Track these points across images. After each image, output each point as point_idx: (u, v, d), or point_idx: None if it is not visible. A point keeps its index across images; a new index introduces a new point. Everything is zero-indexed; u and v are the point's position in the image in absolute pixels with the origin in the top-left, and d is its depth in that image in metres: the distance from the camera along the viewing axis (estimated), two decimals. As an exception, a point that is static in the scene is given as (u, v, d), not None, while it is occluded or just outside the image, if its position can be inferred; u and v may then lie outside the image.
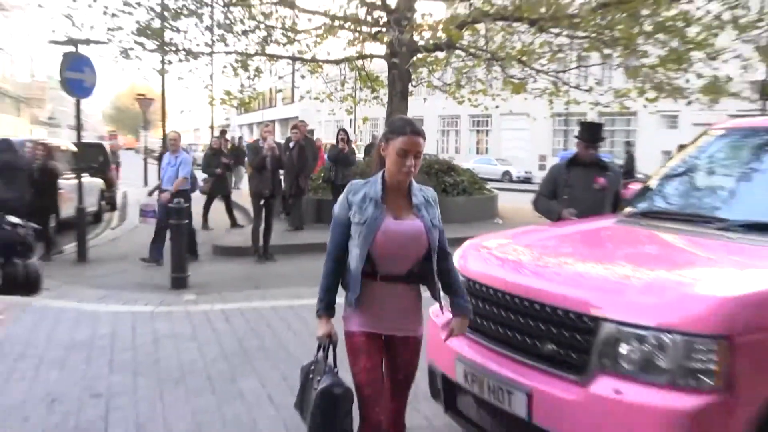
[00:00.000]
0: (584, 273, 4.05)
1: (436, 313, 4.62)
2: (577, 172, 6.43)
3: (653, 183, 5.51)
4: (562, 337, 3.55)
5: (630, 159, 23.49)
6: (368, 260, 3.40)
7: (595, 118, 13.75)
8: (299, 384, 3.63)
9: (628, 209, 5.29)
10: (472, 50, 17.61)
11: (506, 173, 44.34)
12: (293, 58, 18.73)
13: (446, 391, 4.38)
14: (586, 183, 6.33)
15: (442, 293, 3.74)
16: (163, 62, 17.79)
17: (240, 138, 38.78)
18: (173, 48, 16.66)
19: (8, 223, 1.95)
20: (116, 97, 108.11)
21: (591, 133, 6.53)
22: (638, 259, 4.25)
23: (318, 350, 3.55)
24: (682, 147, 22.74)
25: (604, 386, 3.30)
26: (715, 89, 16.01)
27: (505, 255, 4.53)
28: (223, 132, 24.20)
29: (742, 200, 4.70)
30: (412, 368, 3.70)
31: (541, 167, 42.96)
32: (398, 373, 3.65)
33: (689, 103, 16.52)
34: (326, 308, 3.56)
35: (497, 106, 19.38)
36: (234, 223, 16.50)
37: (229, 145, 22.51)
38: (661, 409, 3.11)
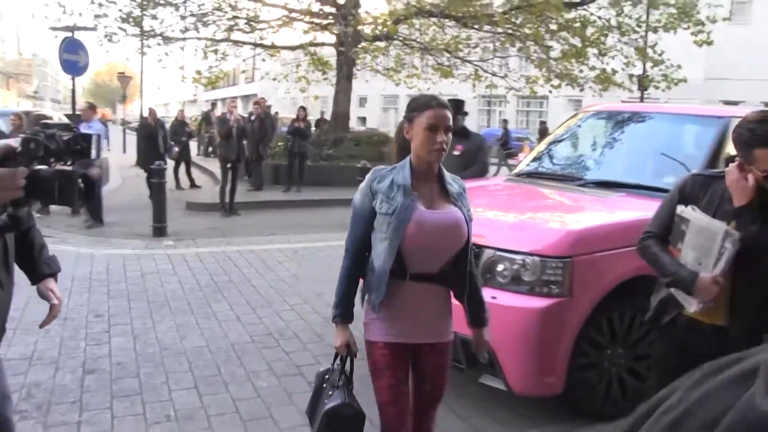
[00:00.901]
0: (476, 214, 4.73)
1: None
2: None
3: (537, 150, 6.21)
4: (457, 261, 4.22)
5: (506, 132, 24.43)
6: (397, 256, 2.65)
7: (511, 100, 14.40)
8: (313, 389, 3.00)
9: (516, 170, 5.98)
10: (408, 41, 18.24)
11: (437, 146, 44.94)
12: (255, 44, 19.05)
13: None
14: (449, 149, 6.70)
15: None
16: (142, 46, 17.99)
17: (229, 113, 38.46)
18: (152, 34, 16.90)
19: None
20: (95, 74, 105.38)
21: (453, 107, 6.97)
22: (516, 204, 4.96)
23: (335, 359, 2.88)
24: (543, 123, 23.64)
25: (485, 294, 3.97)
26: (604, 80, 16.99)
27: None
28: (214, 105, 24.19)
29: (596, 164, 5.46)
30: (442, 377, 2.89)
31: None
32: (425, 384, 2.86)
33: (582, 89, 17.50)
34: (344, 315, 2.81)
35: (428, 88, 19.97)
36: (192, 184, 16.64)
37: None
38: (523, 309, 3.82)
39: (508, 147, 22.96)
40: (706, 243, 2.61)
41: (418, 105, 2.72)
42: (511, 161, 21.89)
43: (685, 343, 2.81)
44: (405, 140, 2.78)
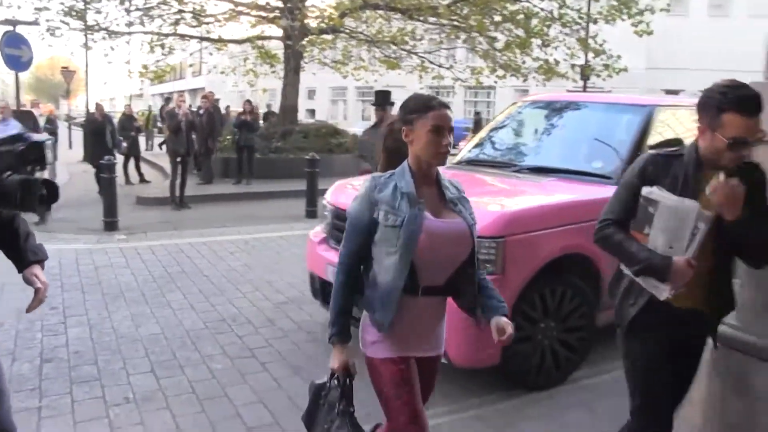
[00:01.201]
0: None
1: (315, 234, 5.53)
2: (371, 133, 7.19)
3: (478, 139, 6.52)
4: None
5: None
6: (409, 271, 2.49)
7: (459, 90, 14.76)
8: (308, 401, 2.75)
9: (457, 158, 6.28)
10: (354, 34, 18.49)
11: (387, 137, 45.11)
12: (202, 38, 19.05)
13: (322, 290, 5.28)
14: (376, 141, 6.98)
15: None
16: (86, 40, 17.82)
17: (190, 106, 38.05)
18: (96, 28, 16.77)
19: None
20: (36, 68, 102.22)
21: (379, 98, 7.20)
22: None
23: (331, 378, 2.64)
24: (477, 114, 24.49)
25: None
26: (547, 70, 17.52)
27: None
28: (168, 99, 24.07)
29: (531, 151, 5.80)
30: (432, 383, 2.83)
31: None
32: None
33: (525, 80, 17.99)
34: (340, 334, 2.59)
35: (375, 80, 20.29)
36: (142, 179, 16.60)
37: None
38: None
39: None
40: (678, 224, 2.51)
41: (419, 106, 2.52)
42: None
43: (665, 332, 2.71)
44: (396, 144, 2.61)
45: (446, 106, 2.53)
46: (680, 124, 5.26)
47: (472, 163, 5.88)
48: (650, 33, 17.29)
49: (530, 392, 4.46)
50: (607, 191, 4.71)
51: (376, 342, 2.57)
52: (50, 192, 2.28)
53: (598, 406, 4.23)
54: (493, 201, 4.70)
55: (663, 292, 2.56)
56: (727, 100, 2.40)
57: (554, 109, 6.23)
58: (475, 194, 5.11)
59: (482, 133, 6.59)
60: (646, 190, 2.58)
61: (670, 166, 2.62)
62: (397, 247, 2.44)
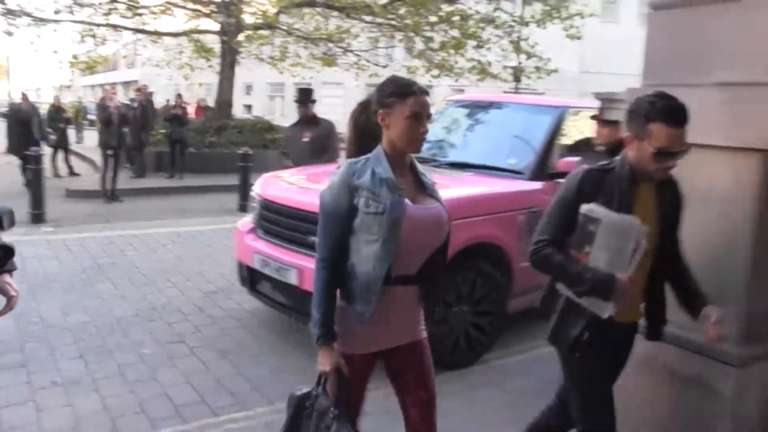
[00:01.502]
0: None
1: (244, 224, 5.76)
2: (293, 129, 7.41)
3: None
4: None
5: None
6: None
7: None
8: (288, 416, 2.62)
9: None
10: (291, 31, 18.66)
11: (325, 134, 45.23)
12: (136, 30, 18.89)
13: (250, 278, 5.52)
14: (297, 137, 7.15)
15: None
16: (9, 26, 17.41)
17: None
18: (18, 13, 16.43)
19: None
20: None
21: (301, 95, 7.36)
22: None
23: (318, 383, 2.53)
24: None
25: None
26: (481, 71, 18.06)
27: (289, 183, 5.72)
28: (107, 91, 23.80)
29: (451, 148, 6.16)
30: (430, 374, 2.70)
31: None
32: (418, 390, 2.67)
33: (457, 80, 18.51)
34: (327, 335, 2.47)
35: (311, 77, 20.51)
36: (71, 172, 16.38)
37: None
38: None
39: None
40: (619, 242, 2.48)
41: (398, 91, 2.43)
42: None
43: (611, 349, 2.76)
44: (368, 127, 2.52)
45: (426, 92, 2.47)
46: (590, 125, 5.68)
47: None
48: (579, 37, 18.02)
49: (444, 371, 4.75)
50: (519, 185, 5.17)
51: (346, 333, 2.51)
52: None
53: (507, 385, 4.60)
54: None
55: (606, 310, 2.53)
56: (654, 110, 2.44)
57: (476, 108, 6.61)
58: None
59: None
60: (585, 208, 2.53)
61: (603, 180, 2.59)
62: (378, 235, 2.38)
